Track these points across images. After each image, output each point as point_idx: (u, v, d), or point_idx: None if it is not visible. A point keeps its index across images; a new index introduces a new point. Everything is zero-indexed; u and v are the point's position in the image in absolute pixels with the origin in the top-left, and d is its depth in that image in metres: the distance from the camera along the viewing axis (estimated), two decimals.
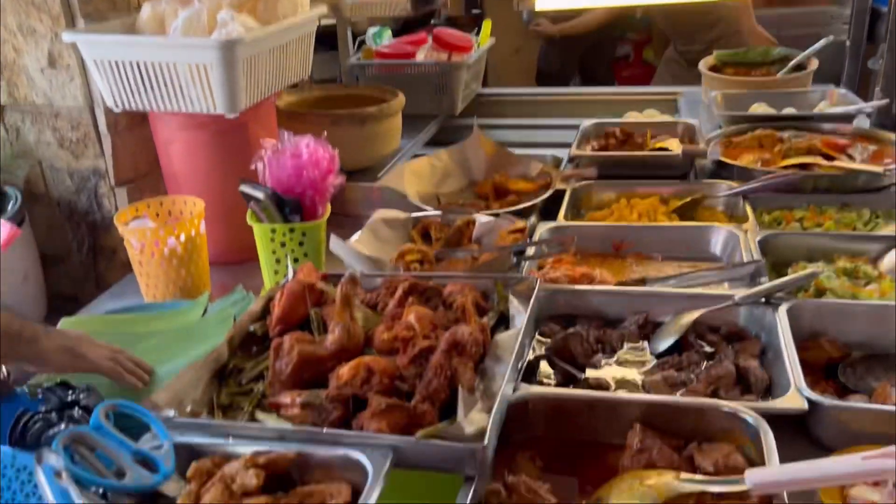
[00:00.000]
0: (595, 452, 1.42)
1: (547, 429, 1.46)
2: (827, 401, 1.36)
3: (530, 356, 1.69)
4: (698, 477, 1.22)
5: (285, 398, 1.39)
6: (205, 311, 2.02)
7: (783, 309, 1.69)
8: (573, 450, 1.44)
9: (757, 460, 1.29)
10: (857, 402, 1.41)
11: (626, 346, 1.72)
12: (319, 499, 1.22)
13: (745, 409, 1.35)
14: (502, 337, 1.53)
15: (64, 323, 1.96)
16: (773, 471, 1.15)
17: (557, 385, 1.60)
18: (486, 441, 1.21)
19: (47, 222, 2.58)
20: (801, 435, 1.40)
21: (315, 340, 1.49)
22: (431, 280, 1.79)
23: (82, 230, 2.58)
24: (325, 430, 1.29)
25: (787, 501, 1.14)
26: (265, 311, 1.73)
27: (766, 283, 1.76)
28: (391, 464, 1.21)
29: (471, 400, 1.30)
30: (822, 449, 1.40)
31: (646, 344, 1.73)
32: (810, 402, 1.38)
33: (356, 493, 1.21)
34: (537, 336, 1.78)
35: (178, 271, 2.15)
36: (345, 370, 1.39)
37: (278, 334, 1.61)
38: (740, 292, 1.76)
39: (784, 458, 1.26)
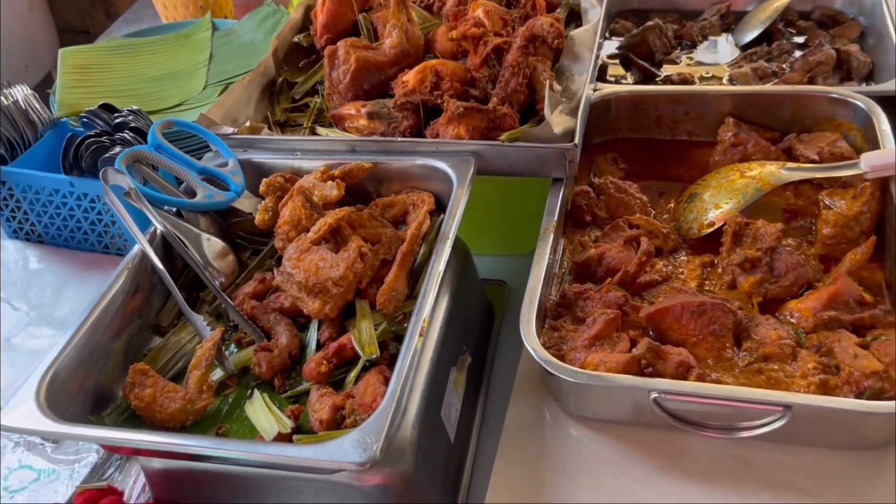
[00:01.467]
0: (681, 152, 1.34)
1: (628, 129, 1.37)
2: None
3: (602, 56, 1.55)
4: (805, 164, 1.14)
5: (348, 109, 1.29)
6: (214, 29, 1.83)
7: None
8: (657, 150, 1.35)
9: (865, 147, 1.20)
10: None
11: (707, 39, 1.56)
12: (402, 208, 1.16)
13: (851, 91, 1.23)
14: (578, 33, 1.37)
15: (63, 55, 1.76)
16: (892, 151, 1.06)
17: (635, 83, 1.47)
18: (576, 140, 1.11)
19: None
20: None
21: (372, 46, 1.34)
22: None
23: None
24: (399, 138, 1.20)
25: None
26: (307, 20, 1.56)
27: None
28: (475, 169, 1.13)
29: (555, 98, 1.18)
30: None
31: (729, 36, 1.57)
32: None
33: (438, 203, 1.15)
34: (606, 36, 1.62)
35: None
36: (410, 76, 1.26)
37: (327, 43, 1.47)
38: None
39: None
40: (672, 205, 1.22)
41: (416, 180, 1.18)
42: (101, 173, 1.05)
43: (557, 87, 1.28)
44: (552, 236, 1.07)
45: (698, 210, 1.16)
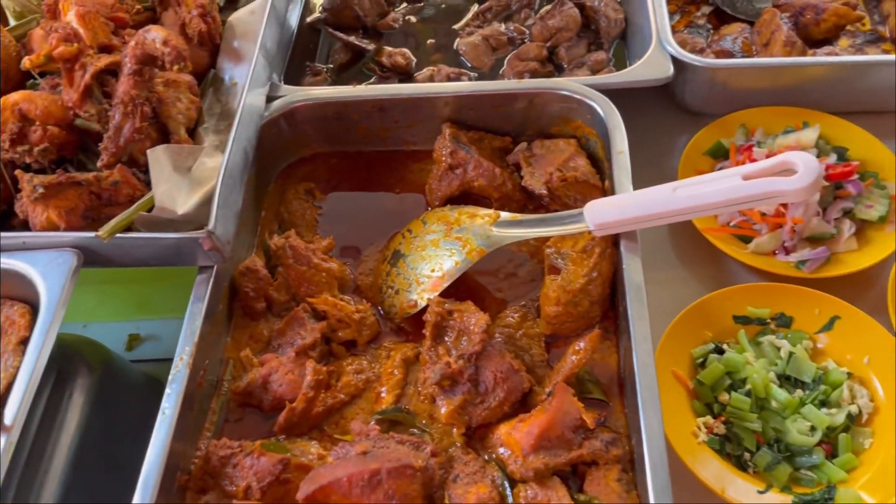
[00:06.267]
0: (392, 163, 1.04)
1: (326, 142, 1.05)
2: (697, 60, 0.98)
3: (299, 22, 1.18)
4: (521, 217, 0.88)
5: None
6: None
7: None
8: (370, 163, 1.04)
9: (601, 157, 0.95)
10: (732, 61, 1.04)
11: None
12: None
13: (588, 89, 0.95)
14: (239, 17, 1.00)
15: None
16: (622, 204, 0.81)
17: (339, 67, 1.13)
18: (211, 225, 0.80)
19: None
20: (663, 97, 1.05)
21: None
22: None
23: None
24: None
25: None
26: None
27: None
28: (74, 274, 0.80)
29: (185, 154, 0.84)
30: (689, 113, 1.07)
31: None
32: (676, 63, 0.99)
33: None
34: None
35: None
36: None
37: None
38: None
39: (644, 127, 0.95)
40: (374, 263, 0.95)
41: (5, 288, 0.84)
42: None
43: (216, 108, 0.94)
44: (189, 364, 0.78)
45: (401, 281, 0.89)
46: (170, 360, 1.05)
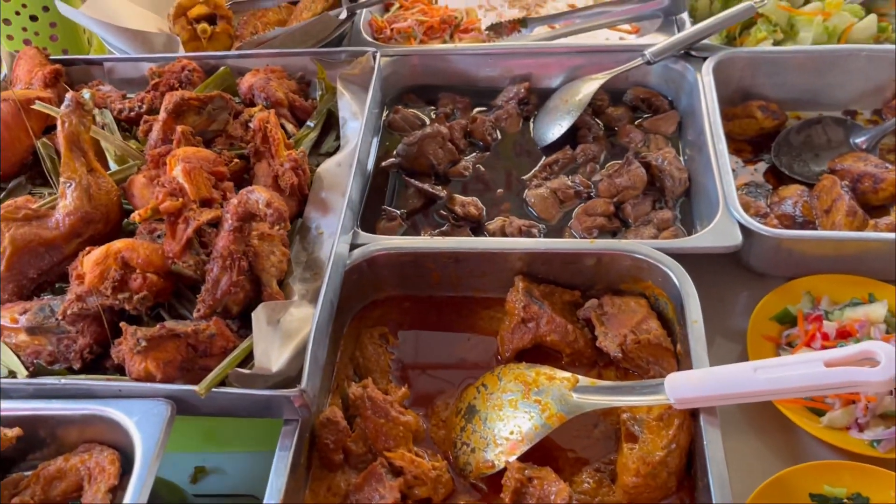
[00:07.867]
0: (462, 308, 1.07)
1: (400, 287, 1.08)
2: (766, 231, 1.02)
3: (376, 163, 1.24)
4: (600, 384, 0.90)
5: (3, 317, 0.93)
6: None
7: (708, 65, 1.26)
8: (440, 308, 1.08)
9: (672, 318, 0.98)
10: (800, 232, 1.08)
11: (502, 136, 1.29)
12: (75, 479, 0.84)
13: (660, 253, 0.99)
14: (327, 170, 1.06)
15: None
16: (703, 381, 0.83)
17: (411, 212, 1.17)
18: (303, 384, 0.82)
19: None
20: (726, 256, 1.07)
21: (39, 213, 0.97)
22: (225, 62, 1.24)
23: None
24: (62, 380, 0.86)
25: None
26: None
27: (686, 30, 1.29)
28: (168, 425, 0.83)
29: (278, 308, 0.88)
30: (753, 273, 1.10)
31: (529, 125, 1.30)
32: (743, 229, 1.03)
33: (127, 457, 0.84)
34: (386, 116, 1.31)
35: None
36: (88, 266, 0.91)
37: None
38: (653, 40, 1.31)
39: (708, 284, 0.98)
40: (447, 414, 0.96)
41: (96, 432, 0.86)
42: None
43: (303, 258, 0.99)
44: None
45: (476, 439, 0.91)
46: (235, 497, 1.07)
